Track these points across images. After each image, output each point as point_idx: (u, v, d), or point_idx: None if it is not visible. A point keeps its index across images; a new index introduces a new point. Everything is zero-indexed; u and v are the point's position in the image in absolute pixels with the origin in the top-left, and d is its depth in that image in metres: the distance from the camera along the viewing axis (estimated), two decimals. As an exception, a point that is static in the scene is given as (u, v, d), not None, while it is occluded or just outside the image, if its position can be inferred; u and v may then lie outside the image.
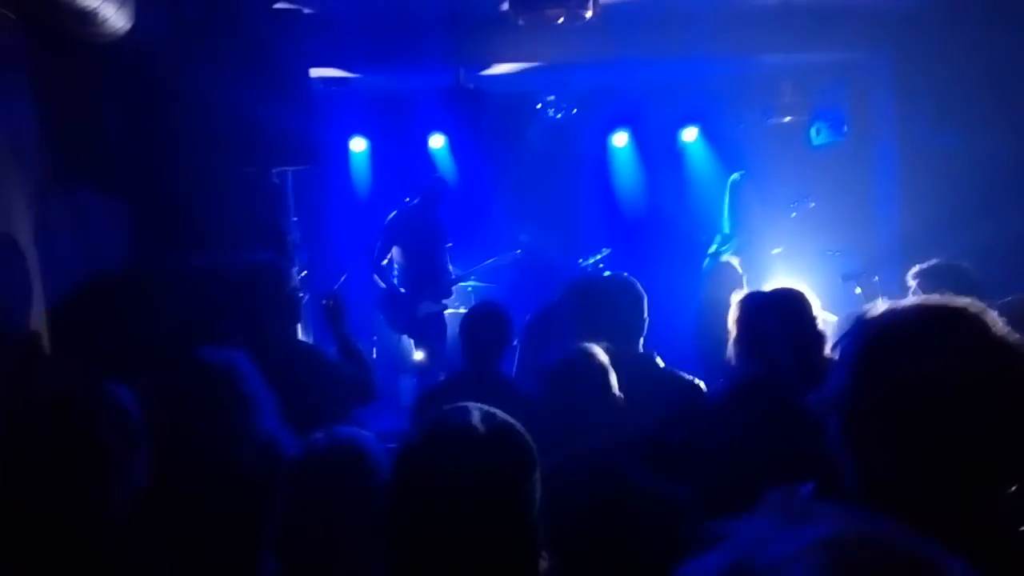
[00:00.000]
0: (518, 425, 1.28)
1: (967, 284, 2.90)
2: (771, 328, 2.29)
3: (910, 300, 1.09)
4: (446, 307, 6.12)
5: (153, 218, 3.62)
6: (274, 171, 4.08)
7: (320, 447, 1.61)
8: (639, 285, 2.79)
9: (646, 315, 2.75)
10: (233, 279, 3.05)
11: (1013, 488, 0.96)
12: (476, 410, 1.29)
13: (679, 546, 0.67)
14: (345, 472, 1.53)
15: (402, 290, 5.98)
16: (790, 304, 2.44)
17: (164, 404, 1.94)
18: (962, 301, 1.04)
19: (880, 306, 1.09)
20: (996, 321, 1.01)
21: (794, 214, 6.33)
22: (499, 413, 1.29)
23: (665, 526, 1.82)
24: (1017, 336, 1.00)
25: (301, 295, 3.17)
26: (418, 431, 1.28)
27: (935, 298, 1.07)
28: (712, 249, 6.20)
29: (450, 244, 6.11)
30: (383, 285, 5.94)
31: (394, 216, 5.97)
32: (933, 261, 3.34)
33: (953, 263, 3.30)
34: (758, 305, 2.46)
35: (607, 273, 4.04)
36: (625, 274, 2.91)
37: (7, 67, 2.80)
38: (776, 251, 5.95)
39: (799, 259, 5.80)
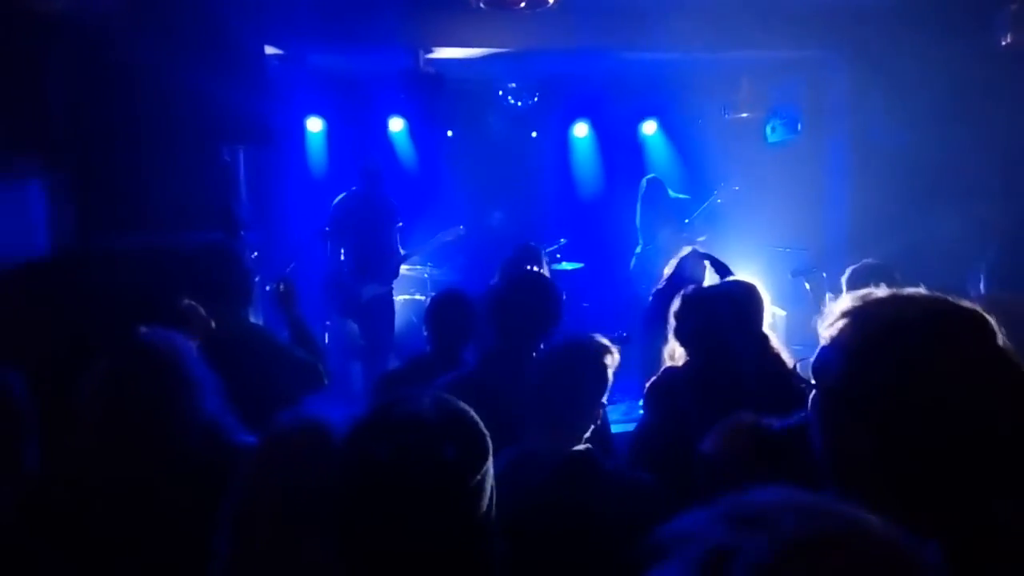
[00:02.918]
0: (471, 411, 1.27)
1: (890, 284, 3.00)
2: (725, 320, 2.31)
3: (914, 291, 1.09)
4: (391, 289, 6.04)
5: (97, 195, 3.52)
6: (225, 149, 3.99)
7: (284, 430, 1.57)
8: (550, 285, 2.76)
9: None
10: (184, 258, 2.99)
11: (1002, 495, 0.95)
12: (429, 394, 1.28)
13: (646, 531, 0.68)
14: (310, 455, 1.50)
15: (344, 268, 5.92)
16: (742, 296, 2.46)
17: (104, 385, 1.88)
18: (972, 305, 1.04)
19: (881, 292, 1.09)
20: (998, 329, 1.01)
21: (719, 200, 6.42)
22: (452, 399, 1.29)
23: (633, 511, 1.84)
24: (1012, 346, 1.01)
25: (253, 277, 3.12)
26: (370, 413, 1.26)
27: (944, 298, 1.06)
28: (638, 249, 6.28)
29: (400, 224, 6.03)
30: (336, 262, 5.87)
31: (339, 200, 5.90)
32: (864, 262, 3.46)
33: (879, 264, 3.41)
34: (711, 296, 2.48)
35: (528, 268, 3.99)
36: (536, 271, 2.89)
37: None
38: (701, 239, 6.04)
39: (749, 254, 5.89)
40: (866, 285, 1.17)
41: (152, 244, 3.28)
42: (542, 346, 2.54)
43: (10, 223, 3.02)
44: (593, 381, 2.04)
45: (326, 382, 3.10)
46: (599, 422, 2.09)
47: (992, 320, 1.02)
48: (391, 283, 6.01)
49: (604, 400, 2.09)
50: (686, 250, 3.71)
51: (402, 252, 6.08)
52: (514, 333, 2.59)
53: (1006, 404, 0.96)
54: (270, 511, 1.46)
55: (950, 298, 1.05)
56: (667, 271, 3.51)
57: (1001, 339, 1.00)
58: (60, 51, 3.31)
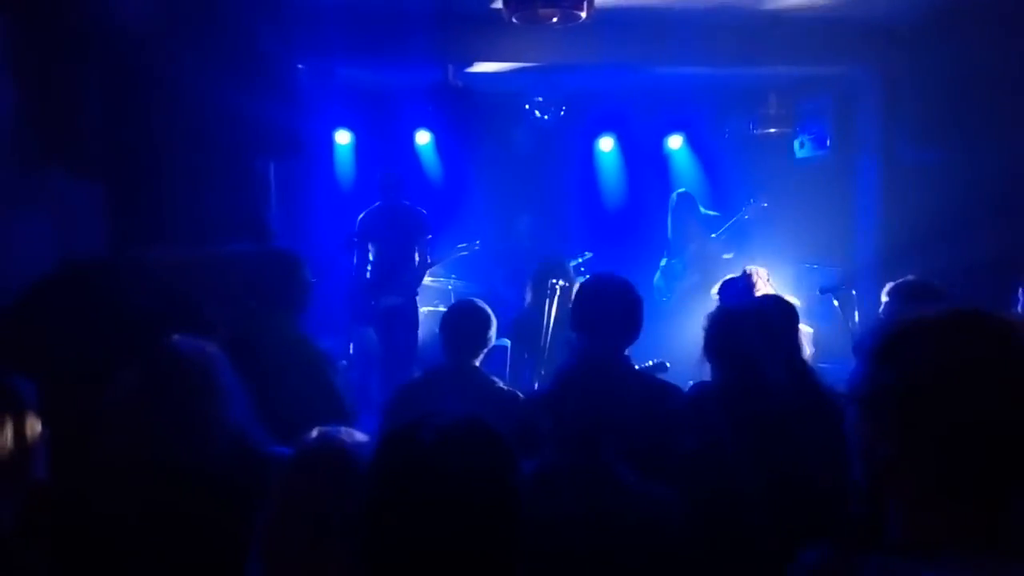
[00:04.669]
0: (496, 428, 1.28)
1: (935, 300, 2.94)
2: (758, 336, 2.28)
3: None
4: (413, 300, 6.00)
5: (132, 206, 3.57)
6: (257, 161, 4.04)
7: (317, 444, 1.58)
8: (634, 288, 2.74)
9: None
10: (252, 265, 3.10)
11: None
12: (454, 408, 1.28)
13: (668, 549, 0.67)
14: (338, 473, 1.51)
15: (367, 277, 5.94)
16: (772, 313, 2.44)
17: (133, 391, 1.91)
18: (986, 310, 1.04)
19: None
20: (1018, 328, 1.01)
21: (747, 216, 6.38)
22: (476, 414, 1.29)
23: (655, 529, 1.82)
24: None
25: (311, 287, 3.19)
26: (398, 430, 1.27)
27: (966, 307, 1.06)
28: (663, 262, 6.25)
29: (430, 236, 6.03)
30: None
31: (361, 217, 5.95)
32: (906, 278, 3.39)
33: (924, 280, 3.35)
34: (739, 313, 2.46)
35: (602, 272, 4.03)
36: (619, 276, 2.88)
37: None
38: (727, 256, 5.99)
39: (776, 270, 5.84)
40: (910, 301, 1.18)
41: (216, 252, 3.38)
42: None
43: (42, 230, 3.07)
44: (609, 395, 2.02)
45: (350, 420, 3.13)
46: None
47: (1013, 321, 1.02)
48: (411, 294, 5.97)
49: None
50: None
51: (428, 263, 6.08)
52: (600, 339, 2.58)
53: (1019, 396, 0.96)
54: (304, 525, 1.47)
55: (968, 306, 1.05)
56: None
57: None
58: (95, 63, 3.38)
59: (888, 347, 1.04)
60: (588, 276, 3.19)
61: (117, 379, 1.96)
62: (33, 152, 2.99)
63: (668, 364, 3.49)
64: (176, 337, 2.01)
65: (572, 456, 1.93)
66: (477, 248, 6.56)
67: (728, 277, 3.97)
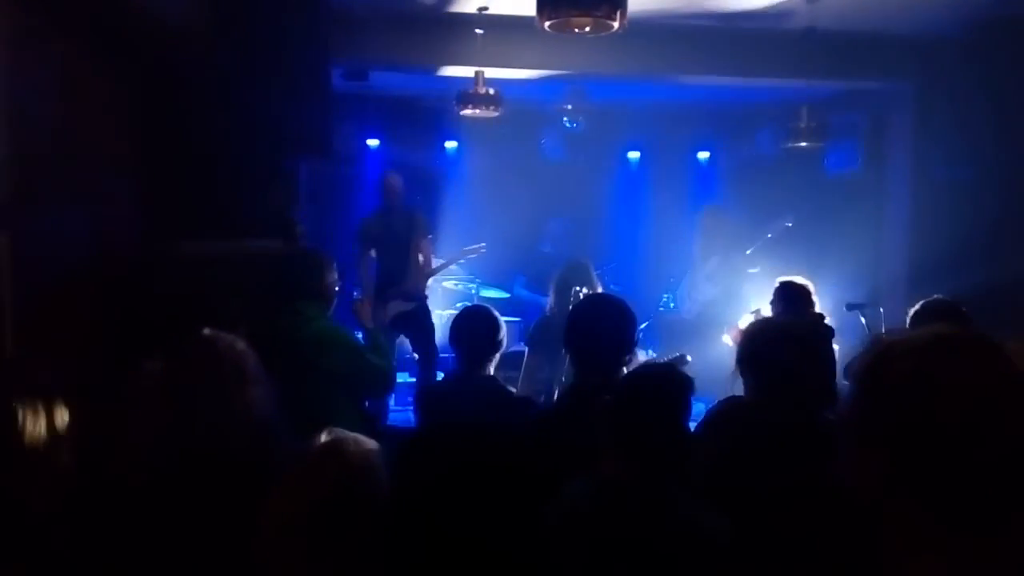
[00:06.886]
0: (527, 438, 1.29)
1: (959, 321, 2.88)
2: (788, 353, 2.25)
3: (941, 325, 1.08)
4: (423, 304, 5.84)
5: (162, 200, 3.63)
6: (287, 161, 4.10)
7: (319, 451, 1.59)
8: (628, 308, 2.61)
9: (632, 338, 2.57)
10: (286, 262, 3.27)
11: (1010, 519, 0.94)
12: (481, 420, 1.30)
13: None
14: (341, 477, 1.52)
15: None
16: (809, 329, 2.41)
17: (163, 381, 1.94)
18: (979, 332, 1.03)
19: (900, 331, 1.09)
20: (1012, 354, 0.99)
21: (770, 235, 6.33)
22: (507, 424, 1.31)
23: (701, 556, 1.76)
24: None
25: (336, 282, 3.26)
26: (423, 434, 1.29)
27: (954, 327, 1.05)
28: (687, 274, 6.24)
29: (430, 236, 5.93)
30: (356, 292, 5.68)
31: (360, 224, 5.88)
32: (931, 298, 3.33)
33: (947, 300, 3.28)
34: (774, 329, 2.43)
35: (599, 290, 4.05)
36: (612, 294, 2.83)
37: (28, 43, 2.81)
38: (753, 271, 5.96)
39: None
40: (933, 322, 1.15)
41: (244, 248, 3.48)
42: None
43: (76, 223, 3.14)
44: (676, 410, 1.94)
45: (392, 389, 3.31)
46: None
47: (1007, 346, 1.00)
48: (421, 298, 5.83)
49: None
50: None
51: (433, 266, 5.98)
52: (591, 365, 2.45)
53: (1008, 422, 0.93)
54: (310, 520, 1.49)
55: (962, 328, 1.04)
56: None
57: (1017, 364, 0.98)
58: (133, 60, 3.45)
59: (871, 372, 1.02)
60: (586, 296, 3.16)
61: (145, 368, 2.00)
62: (69, 146, 3.06)
63: (689, 358, 3.49)
64: (207, 330, 2.05)
65: (629, 472, 1.87)
66: (483, 251, 6.43)
67: (785, 280, 3.92)
